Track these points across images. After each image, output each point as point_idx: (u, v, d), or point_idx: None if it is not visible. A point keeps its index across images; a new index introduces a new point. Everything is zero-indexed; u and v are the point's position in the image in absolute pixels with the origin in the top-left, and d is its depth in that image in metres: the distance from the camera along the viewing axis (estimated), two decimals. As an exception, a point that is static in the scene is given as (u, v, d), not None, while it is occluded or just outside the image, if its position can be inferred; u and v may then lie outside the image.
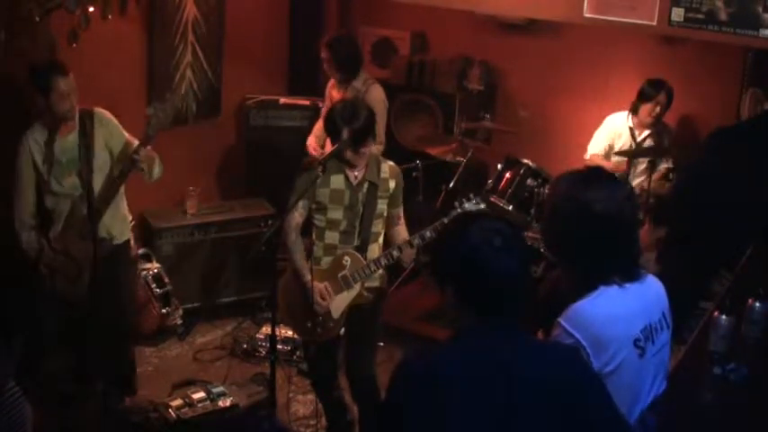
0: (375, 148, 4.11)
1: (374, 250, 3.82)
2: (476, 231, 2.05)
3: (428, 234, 3.68)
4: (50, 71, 3.90)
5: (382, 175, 3.77)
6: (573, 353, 2.15)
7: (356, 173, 3.71)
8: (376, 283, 3.86)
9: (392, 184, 3.80)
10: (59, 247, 4.07)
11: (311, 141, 5.48)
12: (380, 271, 3.84)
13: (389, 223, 3.87)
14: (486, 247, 2.01)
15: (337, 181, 3.70)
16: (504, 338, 2.04)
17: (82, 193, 4.03)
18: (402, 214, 3.91)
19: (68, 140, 4.01)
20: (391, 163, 3.87)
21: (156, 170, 4.13)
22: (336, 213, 3.72)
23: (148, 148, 4.01)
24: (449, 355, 2.05)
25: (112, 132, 4.14)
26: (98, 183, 4.04)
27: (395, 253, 3.74)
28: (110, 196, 4.07)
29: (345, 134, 3.56)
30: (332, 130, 3.67)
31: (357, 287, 3.77)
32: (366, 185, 3.72)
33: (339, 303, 3.78)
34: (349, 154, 3.63)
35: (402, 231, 3.89)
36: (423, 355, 2.12)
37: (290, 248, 3.77)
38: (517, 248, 2.07)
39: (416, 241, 3.71)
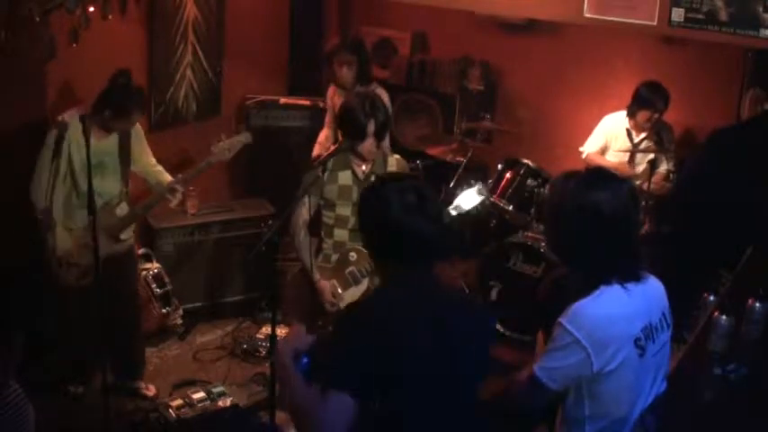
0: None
1: None
2: (391, 191, 2.31)
3: None
4: (134, 105, 3.98)
5: (389, 168, 3.75)
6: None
7: (363, 167, 3.69)
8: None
9: None
10: (81, 240, 4.07)
11: (318, 151, 5.47)
12: None
13: None
14: (401, 203, 2.26)
15: (344, 177, 3.69)
16: (422, 285, 2.31)
17: (119, 195, 4.14)
18: None
19: (105, 144, 4.03)
20: (397, 156, 3.85)
21: (176, 201, 4.29)
22: (345, 209, 3.70)
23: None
24: (380, 301, 2.33)
25: (139, 142, 4.26)
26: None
27: None
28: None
29: (371, 127, 3.53)
30: (354, 127, 3.58)
31: (365, 282, 3.76)
32: (373, 179, 3.71)
33: (348, 299, 3.77)
34: (367, 147, 3.59)
35: None
36: (358, 303, 2.44)
37: (299, 247, 3.75)
38: (429, 204, 2.32)
39: None
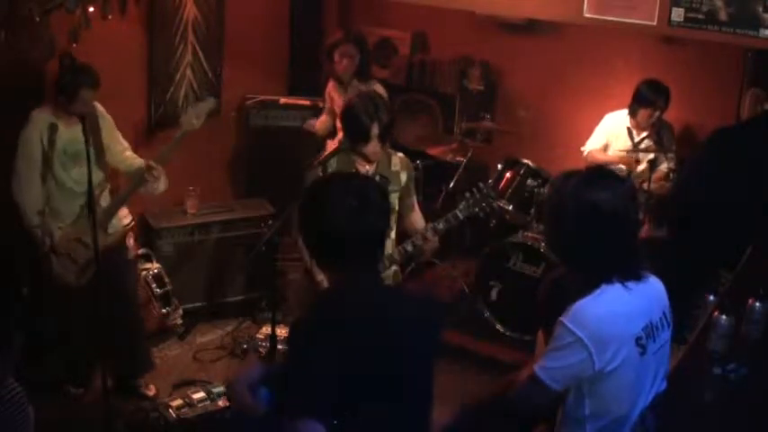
0: None
1: (387, 246, 3.74)
2: (333, 193, 2.23)
3: (441, 226, 3.59)
4: (79, 82, 3.91)
5: (393, 168, 3.71)
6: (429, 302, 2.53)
7: (368, 167, 3.65)
8: (389, 280, 3.81)
9: (404, 177, 3.74)
10: (72, 236, 4.08)
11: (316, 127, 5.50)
12: (394, 267, 3.77)
13: (405, 212, 3.79)
14: (341, 207, 2.17)
15: None
16: (371, 286, 2.29)
17: (101, 185, 4.09)
18: (416, 202, 3.85)
19: (75, 131, 4.02)
20: (401, 154, 3.80)
21: (162, 185, 4.19)
22: None
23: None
24: (330, 308, 2.24)
25: (109, 130, 4.20)
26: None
27: (417, 243, 3.64)
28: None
29: (375, 130, 3.48)
30: (357, 129, 3.52)
31: None
32: (377, 179, 3.66)
33: None
34: (371, 149, 3.55)
35: (419, 218, 3.82)
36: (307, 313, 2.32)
37: (302, 246, 3.74)
38: (374, 206, 2.22)
39: (429, 233, 3.62)
